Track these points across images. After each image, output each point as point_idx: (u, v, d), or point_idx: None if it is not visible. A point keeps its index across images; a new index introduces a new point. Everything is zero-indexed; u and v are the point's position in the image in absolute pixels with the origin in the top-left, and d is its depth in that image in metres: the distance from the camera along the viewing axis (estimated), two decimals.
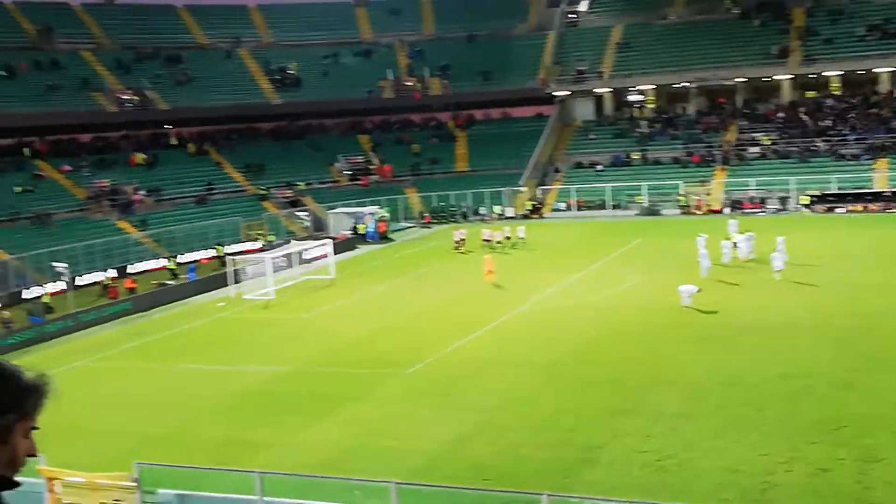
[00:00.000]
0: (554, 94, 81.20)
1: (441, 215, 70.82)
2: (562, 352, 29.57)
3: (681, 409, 22.87)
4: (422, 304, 39.59)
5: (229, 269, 46.02)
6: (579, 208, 70.38)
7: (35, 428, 2.56)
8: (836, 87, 75.49)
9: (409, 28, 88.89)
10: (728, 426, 21.43)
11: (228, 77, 78.46)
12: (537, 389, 25.67)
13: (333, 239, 56.80)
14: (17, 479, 2.54)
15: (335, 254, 51.42)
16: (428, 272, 47.48)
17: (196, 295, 45.84)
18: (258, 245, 58.54)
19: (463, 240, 53.91)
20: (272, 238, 60.72)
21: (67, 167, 62.95)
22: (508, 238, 54.27)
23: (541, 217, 69.00)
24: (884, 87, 74.22)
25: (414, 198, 73.74)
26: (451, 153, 79.53)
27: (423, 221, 70.37)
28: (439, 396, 25.60)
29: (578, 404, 23.96)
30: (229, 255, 50.93)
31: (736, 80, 77.10)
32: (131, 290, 46.48)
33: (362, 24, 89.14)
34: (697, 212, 66.04)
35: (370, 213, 63.86)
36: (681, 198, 67.14)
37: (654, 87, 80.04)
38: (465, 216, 70.62)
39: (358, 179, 75.45)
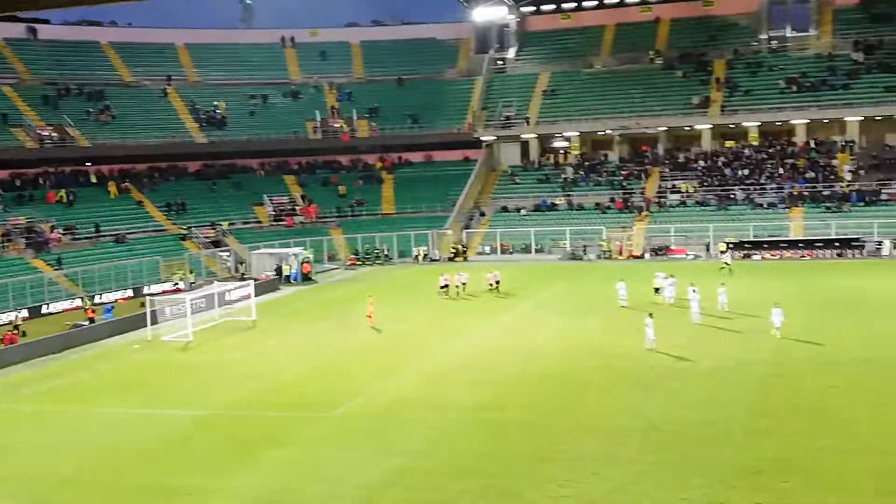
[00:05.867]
0: (481, 138, 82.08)
1: (366, 257, 70.63)
2: (486, 396, 29.50)
3: (603, 454, 22.94)
4: (347, 347, 39.19)
5: (147, 309, 44.83)
6: (503, 252, 70.88)
7: None
8: (754, 138, 77.73)
9: (338, 70, 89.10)
10: (649, 471, 21.54)
11: (153, 115, 77.49)
12: (461, 433, 25.52)
13: (255, 280, 56.03)
14: None
15: (258, 295, 50.70)
16: (353, 314, 47.09)
17: (112, 336, 44.52)
18: (177, 285, 57.50)
19: (447, 286, 51.77)
20: (192, 278, 59.72)
21: None
22: (464, 284, 52.16)
23: (465, 260, 69.25)
24: (800, 137, 76.66)
25: (339, 239, 73.41)
26: (377, 195, 79.56)
27: (347, 264, 70.05)
28: (365, 440, 25.27)
29: (501, 449, 23.87)
30: (147, 295, 49.77)
31: (658, 128, 78.93)
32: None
33: (291, 66, 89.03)
34: (619, 257, 67.05)
35: (294, 255, 63.20)
36: (603, 243, 68.10)
37: (579, 133, 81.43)
38: (388, 258, 70.57)
39: (282, 220, 74.87)
